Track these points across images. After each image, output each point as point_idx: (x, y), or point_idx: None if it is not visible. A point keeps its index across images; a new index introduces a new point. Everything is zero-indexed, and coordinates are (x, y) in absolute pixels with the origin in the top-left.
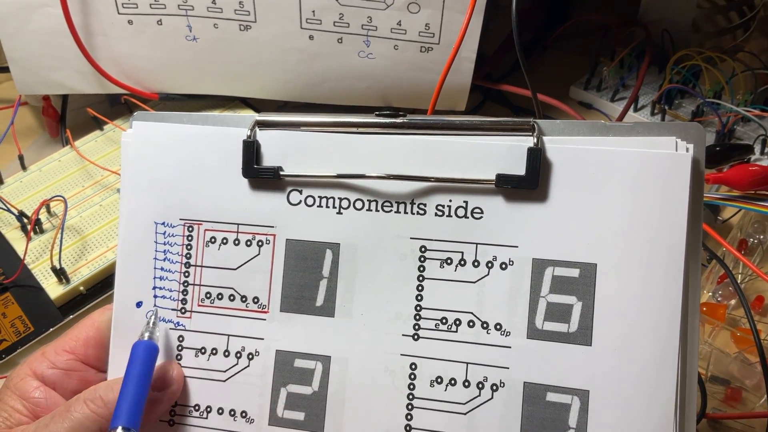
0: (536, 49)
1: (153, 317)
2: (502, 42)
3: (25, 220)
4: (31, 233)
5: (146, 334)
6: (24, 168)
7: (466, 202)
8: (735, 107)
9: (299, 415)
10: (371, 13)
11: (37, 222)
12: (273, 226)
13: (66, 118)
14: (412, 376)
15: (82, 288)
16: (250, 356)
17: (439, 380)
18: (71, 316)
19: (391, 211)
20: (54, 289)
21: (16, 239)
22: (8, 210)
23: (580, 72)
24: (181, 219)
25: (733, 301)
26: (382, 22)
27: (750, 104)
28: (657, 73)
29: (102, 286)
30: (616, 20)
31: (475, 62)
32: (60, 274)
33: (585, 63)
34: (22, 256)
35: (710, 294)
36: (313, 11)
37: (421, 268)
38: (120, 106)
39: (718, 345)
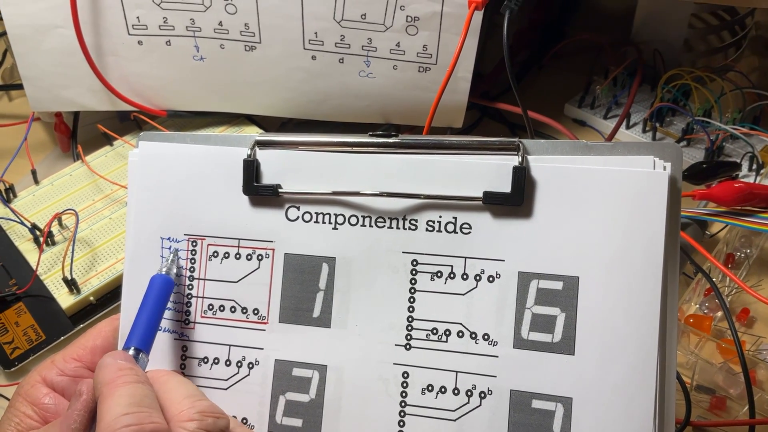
0: (532, 67)
1: (172, 255)
2: (499, 60)
3: (38, 233)
4: (44, 245)
5: (164, 269)
6: (36, 182)
7: (455, 218)
8: (723, 125)
9: (297, 422)
10: (371, 35)
11: (50, 234)
12: (272, 241)
13: (77, 133)
14: (405, 384)
15: (92, 298)
16: (251, 365)
17: (430, 388)
18: (82, 325)
19: (384, 226)
20: (65, 299)
21: (29, 251)
22: (21, 223)
23: (574, 90)
24: (185, 234)
25: (719, 313)
26: (382, 43)
27: (738, 122)
28: (649, 91)
29: (111, 296)
30: (609, 40)
31: (472, 80)
32: (71, 284)
33: (579, 81)
34: (34, 267)
35: (697, 306)
36: (316, 33)
37: (413, 281)
38: (129, 122)
39: (704, 355)
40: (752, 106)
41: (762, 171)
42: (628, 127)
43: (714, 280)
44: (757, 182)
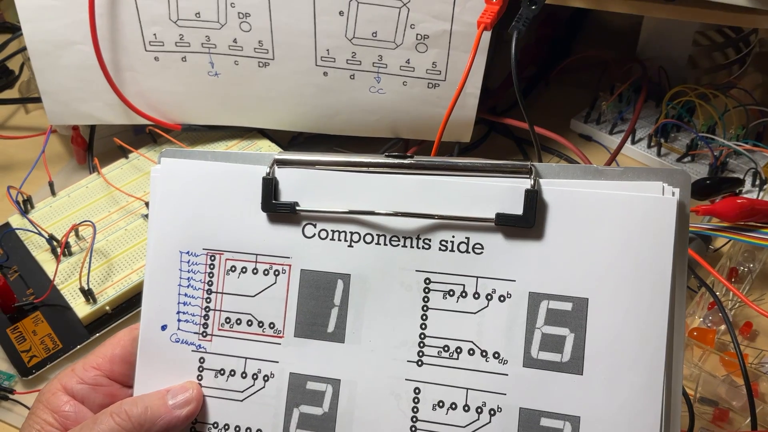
0: (539, 82)
1: None
2: (507, 75)
3: (55, 243)
4: (61, 256)
5: None
6: (54, 193)
7: (467, 239)
8: (727, 142)
9: None
10: (382, 52)
11: (66, 245)
12: (289, 257)
13: (93, 146)
14: (416, 400)
15: (107, 308)
16: (266, 378)
17: (440, 404)
18: (97, 335)
19: (398, 245)
20: (81, 309)
21: (46, 261)
22: (39, 233)
23: (580, 105)
24: (204, 249)
25: (722, 327)
26: (392, 60)
27: (742, 138)
28: (654, 108)
29: (127, 305)
30: (615, 56)
31: (480, 96)
32: (87, 294)
33: (585, 97)
34: (51, 278)
35: (701, 320)
36: (328, 50)
37: (426, 299)
38: (144, 135)
39: (707, 368)
40: (755, 123)
41: (765, 187)
42: (633, 142)
43: (717, 294)
44: (760, 198)
